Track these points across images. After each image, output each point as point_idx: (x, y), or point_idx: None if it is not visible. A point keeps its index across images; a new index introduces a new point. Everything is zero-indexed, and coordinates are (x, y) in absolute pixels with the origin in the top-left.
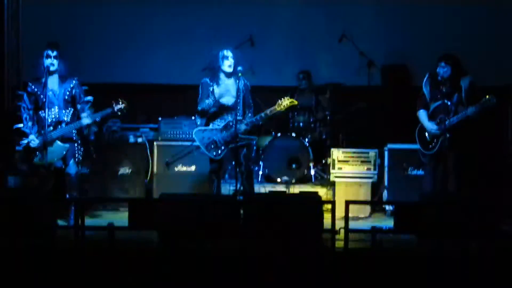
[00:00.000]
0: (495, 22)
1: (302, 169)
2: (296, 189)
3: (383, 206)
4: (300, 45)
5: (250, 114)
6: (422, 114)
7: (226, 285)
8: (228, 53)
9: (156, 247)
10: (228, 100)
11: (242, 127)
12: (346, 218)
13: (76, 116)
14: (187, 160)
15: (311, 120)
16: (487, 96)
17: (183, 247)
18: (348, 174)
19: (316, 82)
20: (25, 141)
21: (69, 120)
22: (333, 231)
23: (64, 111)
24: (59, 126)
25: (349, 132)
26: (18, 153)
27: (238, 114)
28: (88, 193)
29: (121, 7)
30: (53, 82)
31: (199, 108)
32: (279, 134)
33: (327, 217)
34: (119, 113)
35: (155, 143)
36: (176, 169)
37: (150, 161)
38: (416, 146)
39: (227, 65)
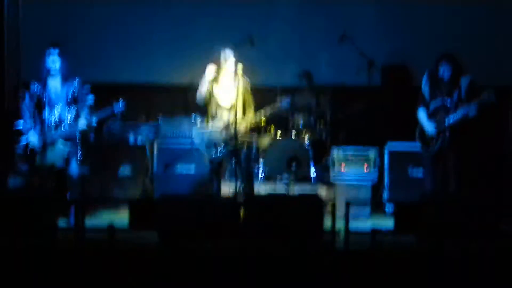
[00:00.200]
0: (495, 22)
1: (302, 169)
2: (296, 189)
3: (383, 207)
4: (300, 45)
5: (250, 114)
6: (422, 114)
7: (226, 285)
8: (230, 53)
9: (156, 247)
10: (227, 100)
11: (241, 127)
12: (346, 218)
13: (78, 116)
14: (187, 160)
15: (311, 120)
16: (486, 92)
17: (183, 247)
18: (348, 174)
19: (316, 82)
20: (24, 142)
21: (71, 120)
22: (333, 231)
23: (66, 111)
24: (61, 126)
25: (349, 132)
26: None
27: (238, 114)
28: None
29: (121, 7)
30: (55, 82)
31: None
32: (279, 134)
33: (326, 218)
34: (119, 114)
35: (155, 143)
36: (176, 169)
37: (150, 161)
38: (416, 146)
39: (230, 64)
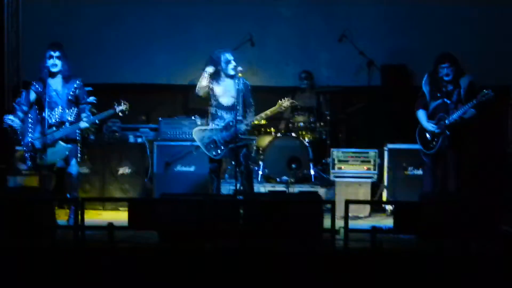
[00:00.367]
0: (495, 22)
1: (302, 169)
2: (296, 189)
3: (383, 206)
4: (300, 45)
5: (251, 114)
6: (421, 114)
7: (226, 285)
8: (230, 56)
9: (156, 247)
10: (228, 100)
11: (242, 127)
12: (346, 217)
13: (79, 116)
14: (187, 160)
15: (311, 120)
16: (485, 91)
17: (183, 247)
18: (348, 174)
19: (316, 82)
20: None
21: (72, 120)
22: (333, 231)
23: (67, 112)
24: (62, 127)
25: (349, 132)
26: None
27: (238, 114)
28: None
29: (121, 7)
30: (56, 82)
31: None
32: (279, 134)
33: (326, 217)
34: (121, 115)
35: (155, 143)
36: (176, 169)
37: (150, 161)
38: (416, 146)
39: (231, 68)
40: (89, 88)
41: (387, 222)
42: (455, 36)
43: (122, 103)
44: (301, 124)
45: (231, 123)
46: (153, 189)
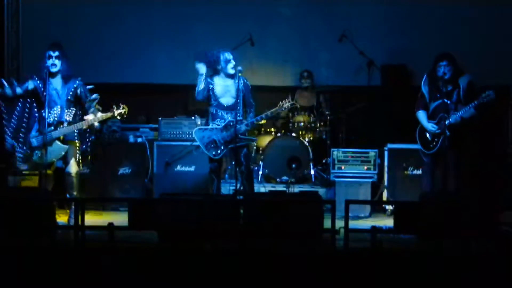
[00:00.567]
0: (495, 22)
1: (302, 169)
2: (296, 189)
3: (383, 206)
4: (300, 45)
5: (251, 114)
6: (421, 115)
7: (226, 285)
8: (230, 56)
9: (156, 247)
10: (228, 100)
11: (243, 127)
12: (346, 217)
13: (78, 116)
14: (187, 160)
15: (311, 120)
16: (486, 92)
17: (183, 247)
18: (348, 174)
19: (316, 81)
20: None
21: (71, 120)
22: (333, 230)
23: (66, 111)
24: (61, 126)
25: (349, 132)
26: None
27: (238, 114)
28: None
29: (121, 7)
30: (56, 82)
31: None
32: (279, 134)
33: (327, 217)
34: (119, 118)
35: (155, 143)
36: (176, 169)
37: (150, 161)
38: (416, 146)
39: (230, 67)
40: (91, 86)
41: (387, 222)
42: (455, 36)
43: (121, 106)
44: (301, 124)
45: (231, 123)
46: (153, 189)
